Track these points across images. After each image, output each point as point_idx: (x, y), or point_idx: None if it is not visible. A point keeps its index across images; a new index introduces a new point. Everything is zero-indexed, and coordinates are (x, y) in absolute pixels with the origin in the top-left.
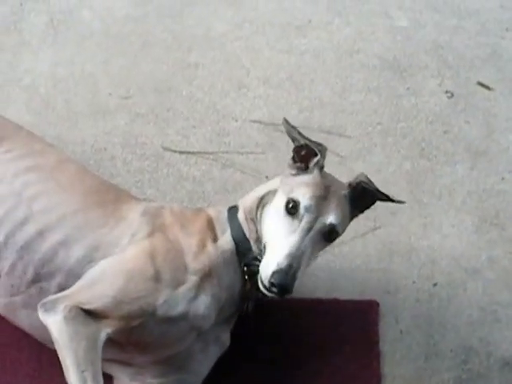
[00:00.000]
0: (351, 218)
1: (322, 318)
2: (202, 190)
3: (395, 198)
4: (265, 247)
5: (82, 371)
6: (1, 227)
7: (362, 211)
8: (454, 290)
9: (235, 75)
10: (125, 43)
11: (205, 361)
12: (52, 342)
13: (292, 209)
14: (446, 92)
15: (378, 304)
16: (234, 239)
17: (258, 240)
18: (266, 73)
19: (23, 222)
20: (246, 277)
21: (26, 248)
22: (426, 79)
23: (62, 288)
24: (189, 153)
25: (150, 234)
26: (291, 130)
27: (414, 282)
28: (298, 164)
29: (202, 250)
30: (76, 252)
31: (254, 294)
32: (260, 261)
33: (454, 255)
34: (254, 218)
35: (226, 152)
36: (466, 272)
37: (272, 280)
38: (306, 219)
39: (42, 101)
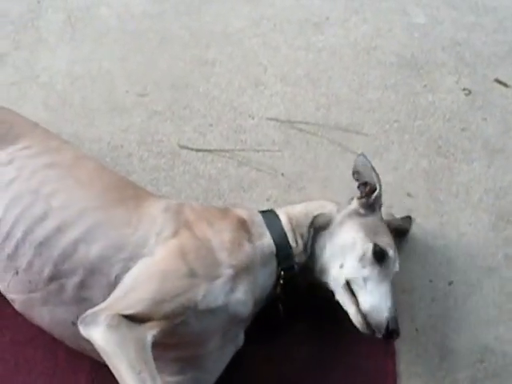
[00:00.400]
0: None
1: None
2: (218, 187)
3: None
4: (325, 270)
5: (139, 373)
6: (19, 224)
7: None
8: (470, 289)
9: (252, 72)
10: (142, 40)
11: (221, 359)
12: (70, 339)
13: (380, 257)
14: (464, 89)
15: None
16: (275, 244)
17: (303, 253)
18: (283, 70)
19: (42, 219)
20: (281, 281)
21: (45, 244)
22: (444, 76)
23: (82, 285)
24: (205, 150)
25: (176, 232)
26: (366, 166)
27: (430, 281)
28: (364, 200)
29: (238, 248)
30: (96, 249)
31: (281, 299)
32: (300, 270)
33: (471, 253)
34: (305, 234)
35: (243, 150)
36: (481, 270)
37: (390, 327)
38: (391, 268)
39: (58, 98)
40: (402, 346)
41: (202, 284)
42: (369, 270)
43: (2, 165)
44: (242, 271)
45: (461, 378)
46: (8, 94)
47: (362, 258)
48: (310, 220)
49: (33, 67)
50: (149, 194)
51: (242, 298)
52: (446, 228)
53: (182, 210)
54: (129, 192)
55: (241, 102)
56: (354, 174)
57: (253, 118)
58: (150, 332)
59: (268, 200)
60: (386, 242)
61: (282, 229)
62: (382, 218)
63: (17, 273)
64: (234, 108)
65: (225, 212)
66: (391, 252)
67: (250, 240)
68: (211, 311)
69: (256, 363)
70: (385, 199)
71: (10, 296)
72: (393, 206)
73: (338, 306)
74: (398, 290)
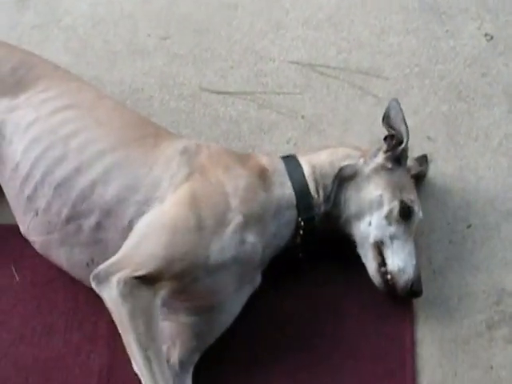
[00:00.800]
0: None
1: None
2: (238, 130)
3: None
4: (351, 223)
5: (145, 350)
6: (38, 165)
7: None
8: (487, 232)
9: (274, 16)
10: None
11: (238, 300)
12: (87, 280)
13: (407, 214)
14: (485, 35)
15: None
16: (296, 193)
17: (324, 204)
18: (305, 14)
19: (60, 160)
20: (301, 231)
21: (63, 185)
22: (466, 22)
23: (98, 227)
24: (226, 93)
25: (189, 176)
26: (398, 113)
27: (448, 224)
28: (390, 153)
29: (252, 196)
30: (113, 189)
31: (301, 248)
32: (320, 221)
33: (489, 197)
34: (329, 185)
35: (263, 92)
36: (500, 214)
37: (414, 288)
38: (414, 228)
39: (80, 41)
40: None
41: (212, 238)
42: (395, 228)
43: (22, 107)
44: (252, 220)
45: (477, 321)
46: (30, 37)
47: (388, 216)
48: (335, 171)
49: (55, 11)
50: (169, 133)
51: (253, 246)
52: (465, 172)
53: (199, 152)
54: (148, 130)
55: (262, 45)
56: (384, 118)
57: (274, 62)
58: (159, 294)
59: (288, 142)
60: (412, 198)
61: (304, 179)
62: (408, 170)
63: (36, 214)
64: (256, 51)
65: (246, 158)
66: (416, 208)
67: (266, 189)
68: (221, 265)
69: (272, 302)
70: None
71: (30, 238)
72: (413, 150)
73: (357, 256)
74: (416, 233)
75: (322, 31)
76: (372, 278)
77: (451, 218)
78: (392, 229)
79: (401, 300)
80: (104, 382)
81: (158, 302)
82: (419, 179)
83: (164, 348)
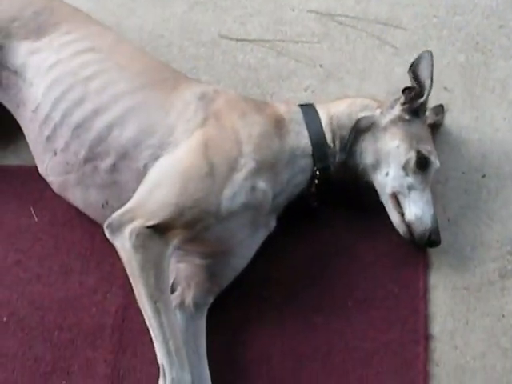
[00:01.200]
0: None
1: (370, 205)
2: (257, 77)
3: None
4: (369, 173)
5: (155, 302)
6: (57, 106)
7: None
8: (502, 182)
9: None
10: None
11: (252, 244)
12: (102, 221)
13: (423, 165)
14: None
15: None
16: (312, 143)
17: (340, 153)
18: None
19: (80, 101)
20: (316, 181)
21: (82, 126)
22: None
23: (114, 168)
24: (245, 40)
25: (204, 122)
26: (429, 66)
27: (463, 173)
28: (407, 106)
29: (266, 144)
30: (129, 132)
31: (316, 196)
32: (336, 171)
33: (504, 148)
34: (346, 136)
35: (282, 40)
36: None
37: (432, 238)
38: (431, 177)
39: None
40: None
41: (223, 185)
42: (412, 178)
43: (43, 50)
44: (264, 167)
45: (490, 269)
46: None
47: (405, 166)
48: (353, 122)
49: None
50: (188, 78)
51: (264, 193)
52: (481, 122)
53: (216, 98)
54: (167, 74)
55: None
56: (412, 66)
57: (293, 10)
58: (171, 244)
59: (306, 90)
60: (429, 149)
61: (321, 128)
62: (425, 122)
63: (55, 154)
64: (275, 0)
65: (263, 106)
66: (433, 158)
67: (281, 137)
68: (232, 212)
69: (288, 247)
70: None
71: (48, 178)
72: (430, 100)
73: (372, 203)
74: (431, 182)
75: None
76: (396, 227)
77: (466, 168)
78: (409, 179)
79: (415, 248)
80: (119, 322)
81: (170, 251)
82: (435, 128)
83: (179, 289)
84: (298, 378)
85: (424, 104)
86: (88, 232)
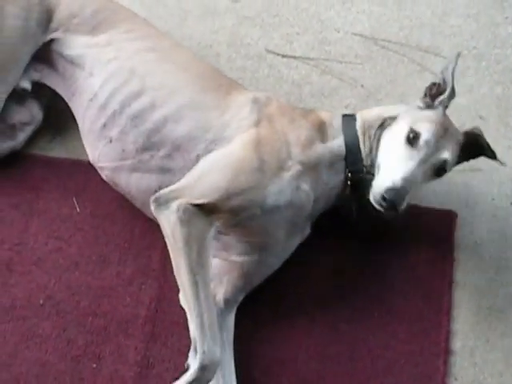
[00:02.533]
0: (457, 163)
1: (402, 220)
2: (300, 92)
3: (499, 158)
4: (378, 167)
5: (195, 274)
6: (115, 97)
7: (467, 159)
8: None
9: None
10: None
11: (287, 247)
12: (149, 208)
13: (413, 139)
14: None
15: (456, 215)
16: (346, 146)
17: (369, 155)
18: None
19: (137, 95)
20: (349, 182)
21: (139, 117)
22: None
23: (169, 157)
24: (290, 57)
25: (257, 123)
26: (453, 65)
27: (492, 199)
28: (427, 99)
29: (310, 146)
30: (184, 128)
31: (351, 200)
32: (367, 173)
33: None
34: (372, 136)
35: (327, 59)
36: None
37: (385, 195)
38: (424, 151)
39: None
40: (460, 255)
41: (271, 180)
42: (398, 148)
43: (103, 45)
44: (309, 168)
45: None
46: None
47: (394, 138)
48: (379, 122)
49: None
50: (241, 85)
51: (307, 194)
52: None
53: (269, 104)
54: (222, 81)
55: (328, 15)
56: (443, 71)
57: (338, 32)
58: (215, 224)
59: (346, 107)
60: (427, 127)
61: (356, 132)
62: (440, 115)
63: (110, 141)
64: (321, 21)
65: (308, 112)
66: (426, 135)
67: (323, 140)
68: (277, 206)
69: (320, 255)
70: (457, 119)
71: (99, 165)
72: (464, 126)
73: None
74: (461, 205)
75: (386, 8)
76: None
77: (496, 194)
78: (395, 149)
79: (441, 265)
80: (152, 313)
81: (213, 232)
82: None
83: (212, 285)
84: (321, 380)
85: (444, 101)
86: (127, 225)
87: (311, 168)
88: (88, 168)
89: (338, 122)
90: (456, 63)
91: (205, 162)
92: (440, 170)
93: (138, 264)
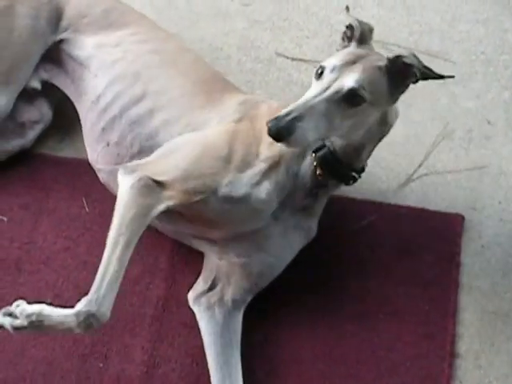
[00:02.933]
0: (392, 94)
1: (409, 223)
2: None
3: (442, 73)
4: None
5: (120, 234)
6: (117, 100)
7: (403, 88)
8: None
9: None
10: None
11: (286, 246)
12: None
13: (320, 74)
14: None
15: (463, 218)
16: None
17: None
18: None
19: (139, 99)
20: (315, 163)
21: (137, 123)
22: None
23: None
24: (300, 60)
25: (238, 120)
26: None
27: (499, 203)
28: (345, 43)
29: (282, 149)
30: (175, 131)
31: (327, 182)
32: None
33: None
34: None
35: None
36: None
37: (268, 125)
38: (325, 79)
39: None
40: (467, 258)
41: (232, 172)
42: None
43: (110, 46)
44: (274, 164)
45: None
46: None
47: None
48: None
49: None
50: (237, 89)
51: (268, 193)
52: None
53: (257, 107)
54: (218, 86)
55: (338, 19)
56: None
57: None
58: (165, 202)
59: None
60: (331, 59)
61: None
62: (355, 47)
63: (108, 145)
64: (331, 25)
65: None
66: (328, 63)
67: None
68: (231, 198)
69: (324, 257)
70: (465, 123)
71: (97, 166)
72: (472, 131)
73: None
74: (468, 209)
75: (396, 13)
76: None
77: (503, 198)
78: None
79: (447, 268)
80: (159, 312)
81: (162, 207)
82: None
83: (219, 286)
84: (326, 381)
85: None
86: None
87: (277, 162)
88: None
89: None
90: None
91: (177, 140)
92: (352, 97)
93: (145, 264)
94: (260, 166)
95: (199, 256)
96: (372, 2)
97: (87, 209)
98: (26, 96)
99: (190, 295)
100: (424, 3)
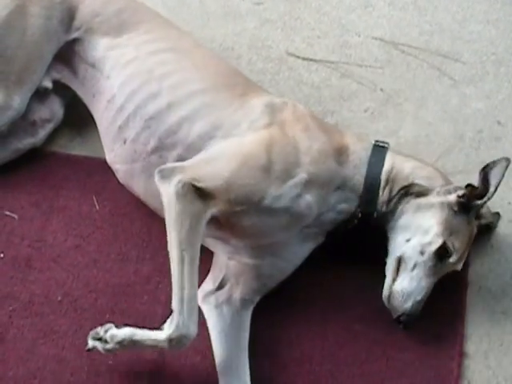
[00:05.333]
0: None
1: None
2: (319, 95)
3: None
4: (393, 232)
5: (182, 250)
6: (132, 99)
7: None
8: None
9: None
10: None
11: (300, 252)
12: (162, 211)
13: (442, 256)
14: None
15: None
16: (365, 184)
17: (384, 205)
18: None
19: (154, 96)
20: (356, 221)
21: (154, 119)
22: None
23: (180, 159)
24: (311, 60)
25: (268, 126)
26: (501, 173)
27: (509, 203)
28: (463, 201)
29: (323, 160)
30: (198, 128)
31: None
32: (377, 218)
33: None
34: (393, 191)
35: (346, 63)
36: None
37: (402, 319)
38: (449, 268)
39: None
40: (476, 259)
41: (274, 182)
42: (424, 260)
43: (123, 45)
44: (316, 181)
45: None
46: None
47: (425, 246)
48: (406, 183)
49: None
50: (259, 87)
51: (307, 205)
52: None
53: (283, 109)
54: (239, 80)
55: (349, 19)
56: (485, 167)
57: (359, 36)
58: (210, 210)
59: (365, 111)
60: (457, 246)
61: (380, 175)
62: (471, 223)
63: (124, 143)
64: (342, 25)
65: (331, 129)
66: (454, 258)
67: (338, 162)
68: (272, 210)
69: (335, 257)
70: (476, 124)
71: (115, 166)
72: (482, 131)
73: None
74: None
75: (407, 13)
76: (383, 290)
77: None
78: (422, 258)
79: (456, 272)
80: (168, 311)
81: (208, 215)
82: (487, 230)
83: (228, 285)
84: (336, 381)
85: (479, 207)
86: (146, 224)
87: (319, 182)
88: (108, 167)
89: (364, 154)
90: (504, 171)
91: (215, 148)
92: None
93: (155, 262)
94: (301, 177)
95: (208, 255)
96: (383, 1)
97: (98, 207)
98: (38, 95)
99: (199, 294)
100: (435, 3)
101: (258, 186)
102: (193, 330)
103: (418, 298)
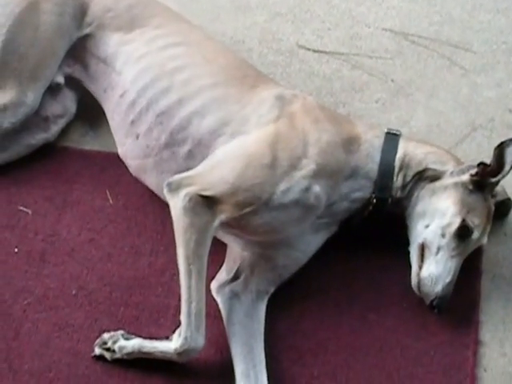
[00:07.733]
0: None
1: None
2: (331, 86)
3: None
4: (412, 219)
5: (189, 264)
6: (144, 94)
7: None
8: None
9: None
10: None
11: (313, 242)
12: None
13: (463, 235)
14: None
15: None
16: (380, 171)
17: (399, 190)
18: None
19: (166, 91)
20: (371, 207)
21: (166, 114)
22: None
23: (190, 155)
24: (321, 52)
25: (277, 119)
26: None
27: None
28: (476, 179)
29: (331, 151)
30: (208, 123)
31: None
32: (392, 204)
33: None
34: (407, 176)
35: (357, 54)
36: None
37: (435, 303)
38: (472, 246)
39: None
40: (489, 247)
41: (281, 179)
42: (447, 241)
43: (135, 41)
44: (323, 172)
45: None
46: None
47: (445, 228)
48: (420, 168)
49: None
50: (269, 79)
51: (316, 196)
52: None
53: (293, 102)
54: (250, 72)
55: (359, 11)
56: (500, 145)
57: (369, 27)
58: (218, 217)
59: (377, 102)
60: (476, 222)
61: (393, 161)
62: (487, 200)
63: (137, 138)
64: (352, 16)
65: (342, 120)
66: (476, 234)
67: (348, 152)
68: (282, 205)
69: (348, 249)
70: (487, 113)
71: (127, 161)
72: (494, 120)
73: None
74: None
75: (416, 3)
76: (411, 279)
77: None
78: (444, 241)
79: (470, 256)
80: None
81: (216, 224)
82: (504, 208)
83: (243, 276)
84: (351, 371)
85: (493, 184)
86: (159, 217)
87: (327, 172)
88: (121, 161)
89: (376, 142)
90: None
91: (218, 154)
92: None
93: (169, 255)
94: (310, 168)
95: (222, 246)
96: None
97: (111, 201)
98: (50, 90)
99: (213, 285)
100: None
101: (265, 184)
102: (200, 342)
103: (447, 279)
